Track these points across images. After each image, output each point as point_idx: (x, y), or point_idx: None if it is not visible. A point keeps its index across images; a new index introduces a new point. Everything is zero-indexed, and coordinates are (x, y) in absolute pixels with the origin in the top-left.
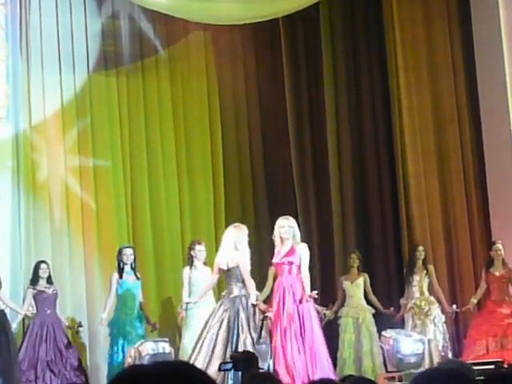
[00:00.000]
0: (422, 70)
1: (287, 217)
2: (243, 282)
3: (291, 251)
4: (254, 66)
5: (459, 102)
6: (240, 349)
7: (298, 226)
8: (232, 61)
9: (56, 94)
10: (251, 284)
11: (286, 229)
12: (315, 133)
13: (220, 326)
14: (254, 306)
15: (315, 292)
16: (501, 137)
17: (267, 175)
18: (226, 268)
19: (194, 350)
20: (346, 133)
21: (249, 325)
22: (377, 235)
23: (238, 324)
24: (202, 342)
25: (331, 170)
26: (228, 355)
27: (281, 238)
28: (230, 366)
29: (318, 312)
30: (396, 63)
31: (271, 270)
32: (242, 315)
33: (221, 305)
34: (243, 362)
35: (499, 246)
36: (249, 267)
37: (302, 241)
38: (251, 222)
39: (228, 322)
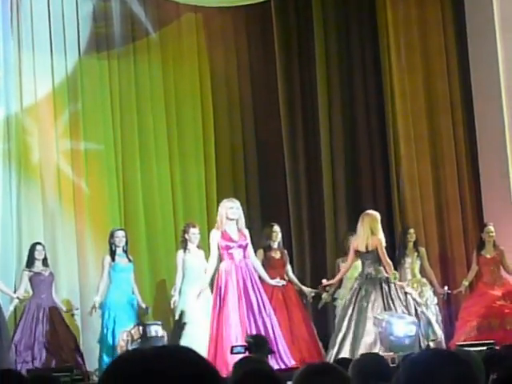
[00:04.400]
0: (415, 52)
1: (233, 199)
2: (379, 262)
3: (241, 234)
4: (246, 48)
5: (451, 84)
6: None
7: (288, 207)
8: (224, 43)
9: (47, 77)
10: (390, 264)
11: (235, 210)
12: (307, 115)
13: (367, 305)
14: (393, 283)
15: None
16: (493, 119)
17: (259, 157)
18: (365, 251)
19: (340, 331)
20: (338, 115)
21: (389, 301)
22: None
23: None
24: (347, 321)
25: (323, 152)
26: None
27: (228, 218)
28: (242, 349)
29: (303, 294)
30: (388, 45)
31: (260, 254)
32: (380, 292)
33: (361, 285)
34: (255, 346)
35: (491, 228)
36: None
37: (295, 223)
38: (243, 204)
39: (374, 300)
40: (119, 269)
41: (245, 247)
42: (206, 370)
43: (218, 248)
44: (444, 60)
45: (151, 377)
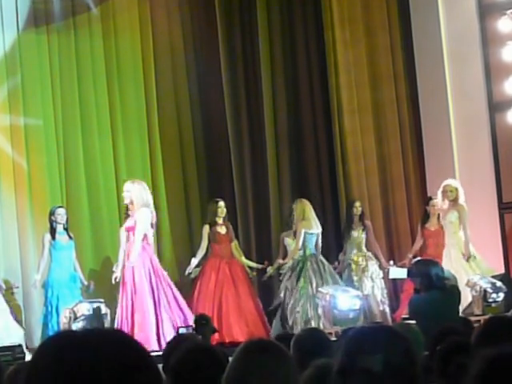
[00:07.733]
0: (358, 25)
1: (134, 181)
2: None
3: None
4: (189, 21)
5: (395, 57)
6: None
7: (233, 181)
8: (166, 17)
9: None
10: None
11: (125, 194)
12: (251, 89)
13: (310, 284)
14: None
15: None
16: (436, 91)
17: (205, 130)
18: (316, 232)
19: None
20: (282, 89)
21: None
22: (314, 192)
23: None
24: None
25: (267, 127)
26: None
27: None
28: (187, 330)
29: (250, 270)
30: (331, 18)
31: (205, 229)
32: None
33: (307, 263)
34: (199, 326)
35: (436, 201)
36: None
37: (240, 197)
38: (193, 179)
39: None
40: (60, 247)
41: (130, 229)
42: (137, 355)
43: None
44: (387, 33)
45: (80, 364)
